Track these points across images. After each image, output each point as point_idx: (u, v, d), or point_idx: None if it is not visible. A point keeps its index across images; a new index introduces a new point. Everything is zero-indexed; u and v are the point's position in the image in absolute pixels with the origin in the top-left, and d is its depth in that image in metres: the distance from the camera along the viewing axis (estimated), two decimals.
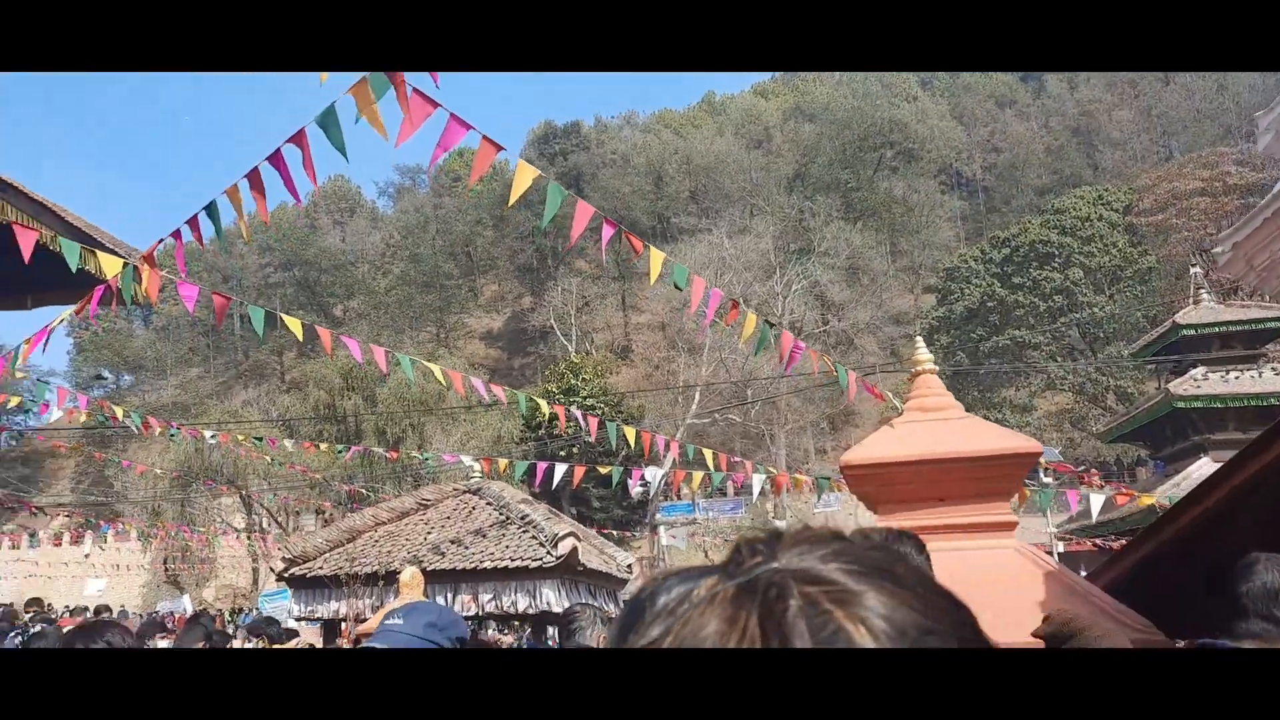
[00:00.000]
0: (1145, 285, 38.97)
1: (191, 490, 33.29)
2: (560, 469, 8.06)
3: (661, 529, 32.91)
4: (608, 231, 3.63)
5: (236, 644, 6.66)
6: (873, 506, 4.72)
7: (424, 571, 6.68)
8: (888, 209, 51.77)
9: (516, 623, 12.03)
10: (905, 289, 51.91)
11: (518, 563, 7.39)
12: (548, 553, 7.34)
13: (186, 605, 31.79)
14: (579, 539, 7.60)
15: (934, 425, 4.60)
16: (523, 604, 7.37)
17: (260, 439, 8.57)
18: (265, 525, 34.55)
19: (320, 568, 7.74)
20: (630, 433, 6.55)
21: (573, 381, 35.56)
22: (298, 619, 8.13)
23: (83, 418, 8.88)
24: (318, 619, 7.91)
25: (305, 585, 7.85)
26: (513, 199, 3.70)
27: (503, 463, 8.32)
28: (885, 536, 1.85)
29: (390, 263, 60.70)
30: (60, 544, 38.50)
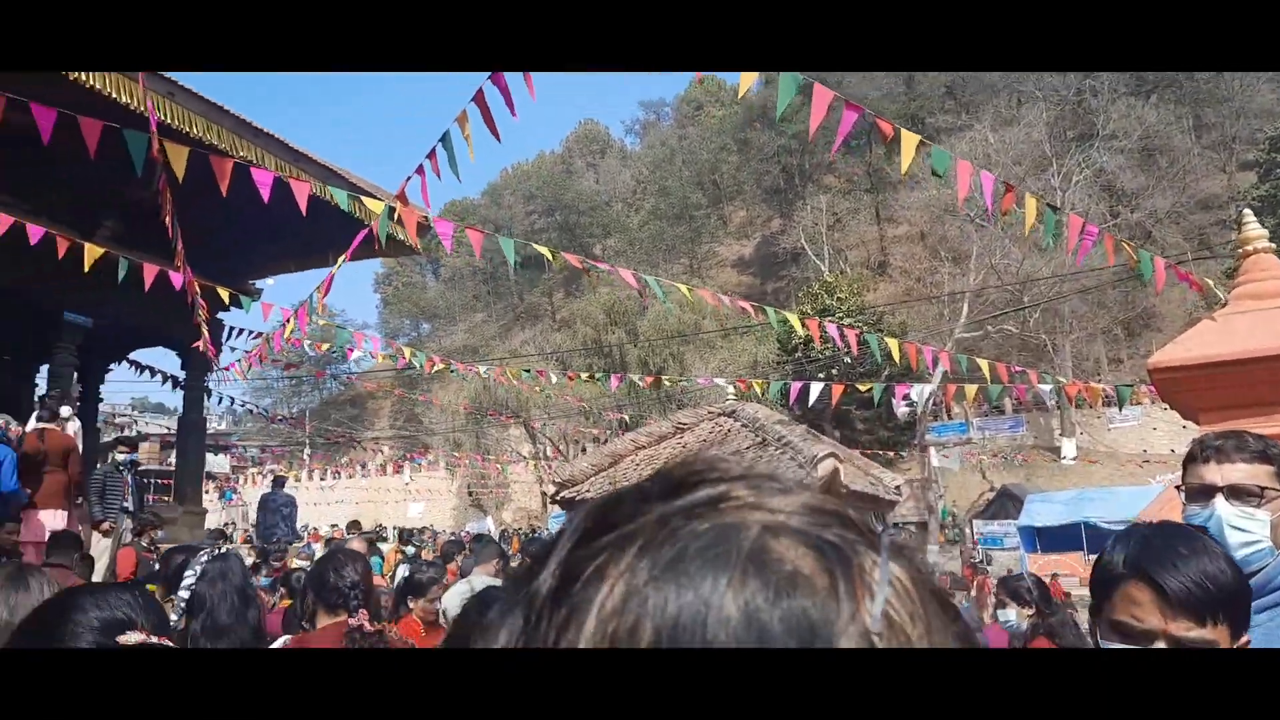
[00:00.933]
0: None
1: (484, 423, 36.75)
2: (816, 388, 7.74)
3: (932, 450, 31.41)
4: (849, 118, 3.23)
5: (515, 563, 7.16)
6: (1191, 415, 3.98)
7: None
8: (1189, 76, 44.32)
9: None
10: (1214, 168, 44.45)
11: None
12: (807, 474, 7.10)
13: (490, 526, 35.54)
14: (840, 459, 7.27)
15: (1273, 315, 3.76)
16: None
17: (528, 371, 9.10)
18: (548, 454, 37.44)
19: (586, 491, 8.10)
20: (893, 345, 6.07)
21: (827, 301, 34.56)
22: None
23: (378, 360, 9.87)
24: None
25: (574, 508, 8.22)
26: (742, 91, 3.41)
27: (758, 383, 8.15)
28: None
29: (641, 198, 62.36)
30: (385, 473, 44.39)
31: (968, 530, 28.45)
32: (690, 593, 0.34)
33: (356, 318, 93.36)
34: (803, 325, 5.69)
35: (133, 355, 13.04)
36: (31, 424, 7.83)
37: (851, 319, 34.16)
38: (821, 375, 27.99)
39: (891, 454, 29.56)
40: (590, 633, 0.36)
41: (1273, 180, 35.61)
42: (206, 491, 47.93)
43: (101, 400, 13.30)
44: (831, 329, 6.18)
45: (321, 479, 45.54)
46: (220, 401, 14.88)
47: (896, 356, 6.28)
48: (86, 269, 6.71)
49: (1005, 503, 28.29)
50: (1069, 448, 33.08)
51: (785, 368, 33.59)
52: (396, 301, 72.93)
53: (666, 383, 10.46)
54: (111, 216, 10.27)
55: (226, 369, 10.71)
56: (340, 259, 5.23)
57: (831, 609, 0.34)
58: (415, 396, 35.73)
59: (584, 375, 9.18)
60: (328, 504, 38.62)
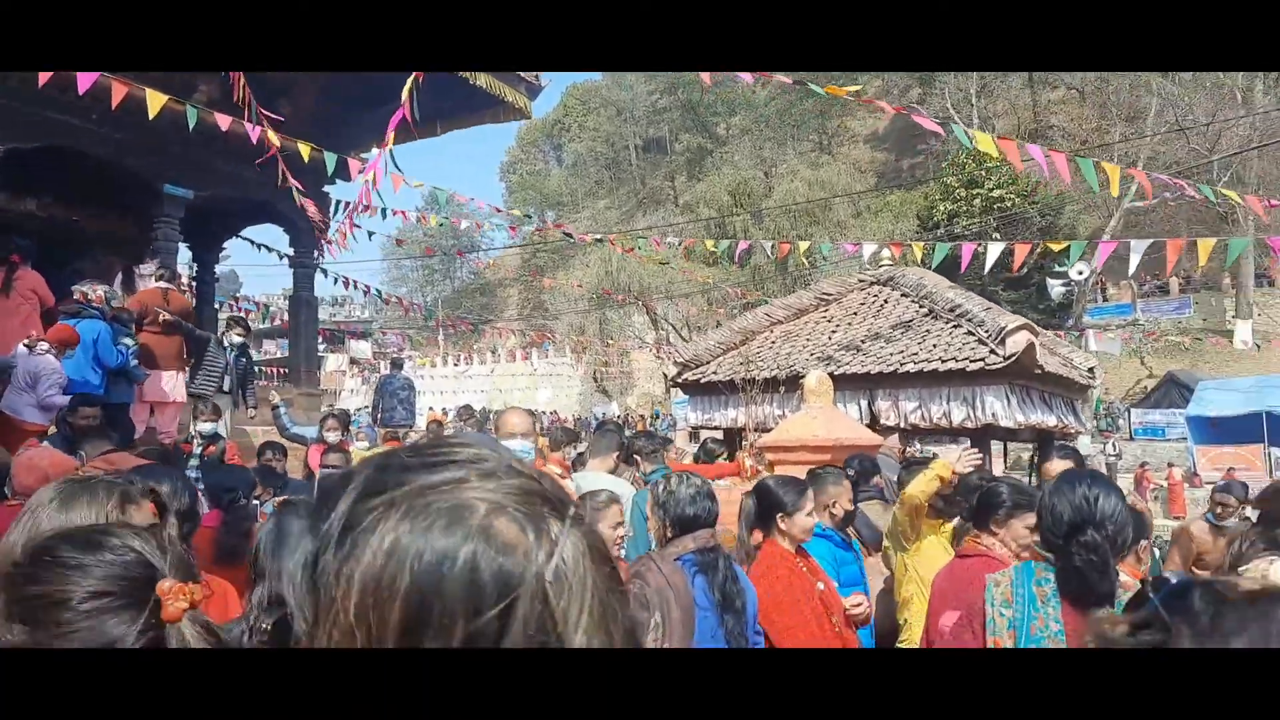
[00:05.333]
0: None
1: (606, 308, 36.26)
2: (995, 249, 6.32)
3: (1090, 333, 28.65)
4: None
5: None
6: None
7: (832, 375, 5.61)
8: None
9: (962, 438, 10.52)
10: None
11: (950, 364, 5.96)
12: (991, 351, 5.78)
13: (614, 410, 35.52)
14: (1034, 333, 5.86)
15: None
16: (958, 415, 5.95)
17: (643, 238, 8.07)
18: (671, 340, 36.72)
19: (714, 372, 7.04)
20: (1112, 172, 4.61)
21: (975, 171, 31.52)
22: (694, 428, 7.69)
23: (482, 227, 8.98)
24: (715, 427, 7.32)
25: (700, 391, 7.22)
26: None
27: (917, 245, 6.80)
28: None
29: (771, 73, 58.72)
30: (514, 359, 44.98)
31: (1123, 421, 26.08)
32: (436, 547, 0.51)
33: (483, 207, 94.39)
34: (997, 148, 4.33)
35: (246, 233, 12.74)
36: (151, 283, 7.56)
37: (1003, 189, 31.10)
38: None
39: None
40: (365, 565, 0.52)
41: None
42: (352, 375, 50.03)
43: (218, 279, 13.12)
44: (1035, 150, 4.77)
45: (455, 364, 46.64)
46: (336, 282, 14.58)
47: (1114, 189, 4.83)
48: (151, 115, 6.03)
49: (1171, 390, 25.85)
50: (1243, 331, 29.69)
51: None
52: (521, 190, 72.69)
53: (802, 249, 9.12)
54: (207, 81, 9.65)
55: (329, 242, 10.14)
56: (408, 88, 4.22)
57: (522, 565, 0.51)
58: (525, 276, 35.33)
59: (709, 244, 8.11)
60: (456, 392, 39.49)
